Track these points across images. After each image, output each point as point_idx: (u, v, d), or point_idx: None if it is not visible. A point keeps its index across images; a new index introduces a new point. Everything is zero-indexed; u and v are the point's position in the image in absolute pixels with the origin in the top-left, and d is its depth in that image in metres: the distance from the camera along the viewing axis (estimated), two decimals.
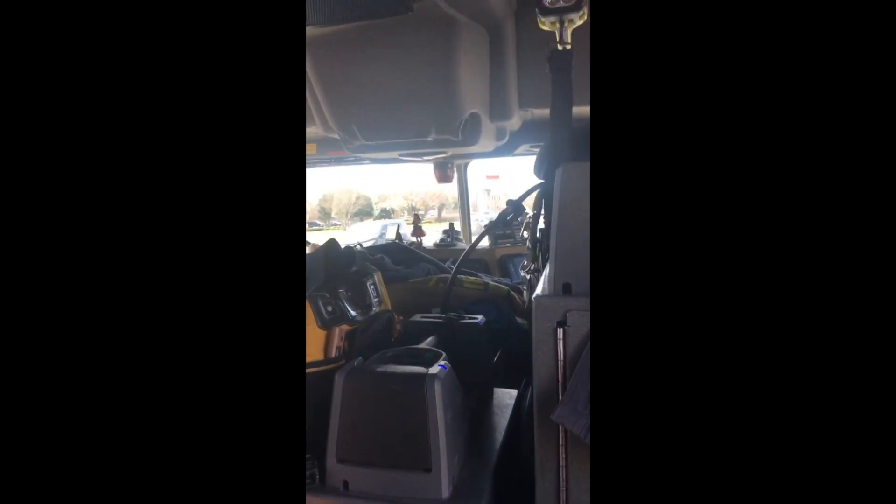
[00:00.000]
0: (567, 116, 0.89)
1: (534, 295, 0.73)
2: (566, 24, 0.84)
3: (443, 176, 2.29)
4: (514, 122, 1.51)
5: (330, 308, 0.91)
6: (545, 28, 0.86)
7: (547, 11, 0.82)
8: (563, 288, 0.70)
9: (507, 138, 1.62)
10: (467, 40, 1.20)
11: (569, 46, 0.86)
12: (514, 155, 2.01)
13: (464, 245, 2.47)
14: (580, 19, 0.84)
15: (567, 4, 0.81)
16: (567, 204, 0.70)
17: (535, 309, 0.71)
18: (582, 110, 1.22)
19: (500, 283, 1.60)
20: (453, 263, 2.01)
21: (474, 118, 1.34)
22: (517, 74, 1.34)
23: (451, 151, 1.64)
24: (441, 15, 1.11)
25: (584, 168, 0.68)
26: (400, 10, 1.06)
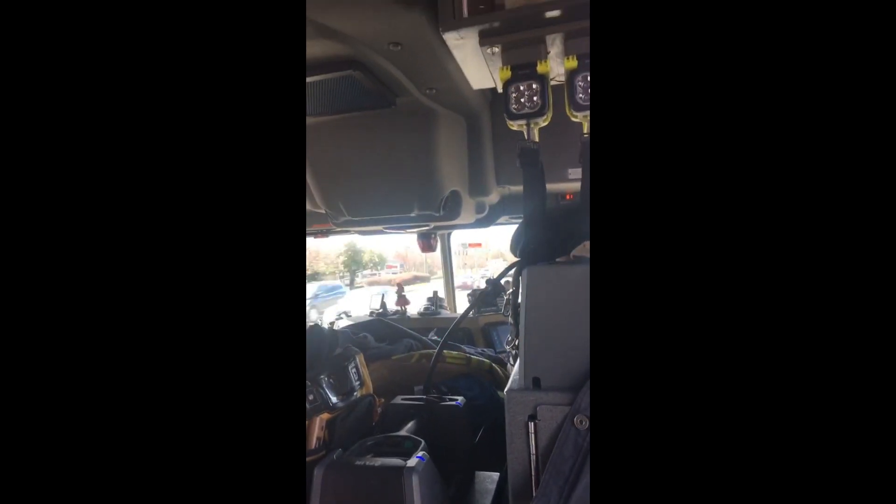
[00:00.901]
0: (537, 204, 0.95)
1: (506, 388, 0.75)
2: (532, 125, 0.92)
3: (426, 245, 2.35)
4: (493, 198, 1.59)
5: (311, 396, 0.92)
6: (513, 128, 0.93)
7: (514, 116, 0.89)
8: (532, 382, 0.73)
9: (486, 211, 1.69)
10: (446, 128, 1.29)
11: (536, 141, 0.93)
12: (497, 224, 2.09)
13: (448, 313, 2.49)
14: (544, 121, 0.92)
15: (532, 111, 0.89)
16: (532, 304, 0.74)
17: (507, 402, 0.72)
18: (552, 187, 1.31)
19: (482, 355, 1.61)
20: (437, 334, 2.03)
21: (455, 195, 1.42)
22: (493, 157, 1.44)
23: (433, 224, 1.71)
24: (421, 107, 1.21)
25: (546, 271, 0.73)
26: (383, 105, 1.16)
